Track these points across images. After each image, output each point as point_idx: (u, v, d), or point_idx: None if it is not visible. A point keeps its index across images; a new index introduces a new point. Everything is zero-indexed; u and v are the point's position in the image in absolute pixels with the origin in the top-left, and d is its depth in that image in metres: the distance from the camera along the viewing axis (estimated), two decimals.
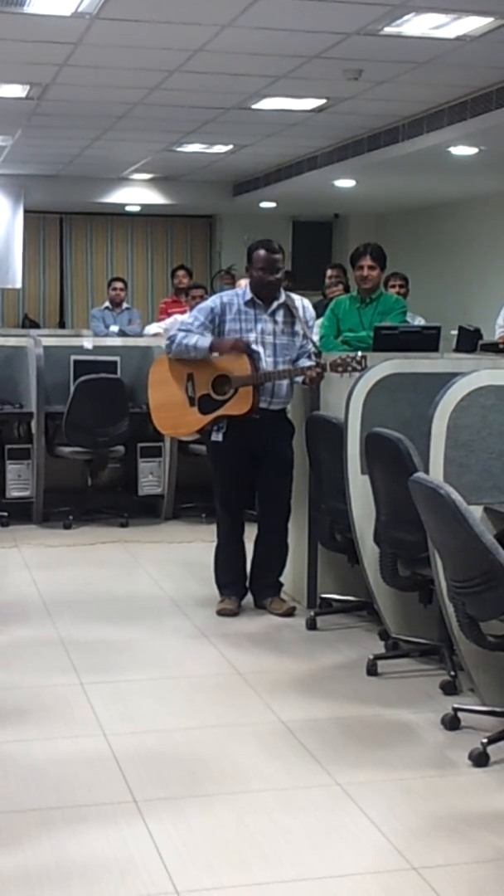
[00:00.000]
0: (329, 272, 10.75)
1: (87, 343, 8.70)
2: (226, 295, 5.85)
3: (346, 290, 9.49)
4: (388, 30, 6.86)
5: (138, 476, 8.21)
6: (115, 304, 12.18)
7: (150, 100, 9.07)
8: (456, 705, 4.35)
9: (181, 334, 5.72)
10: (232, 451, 5.75)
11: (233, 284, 9.68)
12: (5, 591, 6.42)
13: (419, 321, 8.91)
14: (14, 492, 8.06)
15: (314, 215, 16.15)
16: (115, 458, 8.25)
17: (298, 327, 5.72)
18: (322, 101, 9.10)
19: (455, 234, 14.08)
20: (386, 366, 5.32)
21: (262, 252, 5.71)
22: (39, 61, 7.89)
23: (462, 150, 9.97)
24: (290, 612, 5.85)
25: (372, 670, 4.92)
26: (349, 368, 5.50)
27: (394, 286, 9.50)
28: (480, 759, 3.97)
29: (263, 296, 5.71)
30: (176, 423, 5.92)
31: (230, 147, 11.56)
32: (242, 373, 5.62)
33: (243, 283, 9.94)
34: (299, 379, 5.67)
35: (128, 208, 15.32)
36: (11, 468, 8.04)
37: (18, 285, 14.65)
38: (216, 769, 3.96)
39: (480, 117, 8.72)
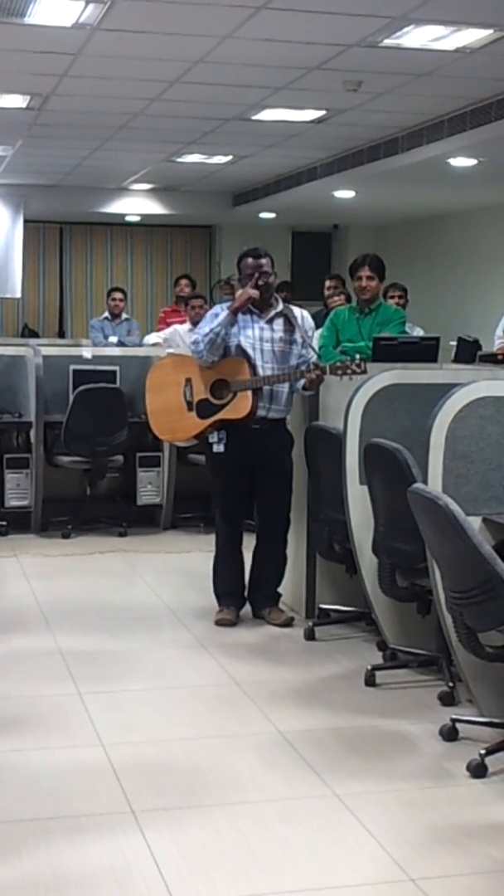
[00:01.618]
0: (328, 283, 10.75)
1: (87, 352, 8.71)
2: (226, 305, 5.86)
3: (347, 300, 9.50)
4: (387, 42, 6.88)
5: (137, 485, 8.22)
6: (114, 315, 12.19)
7: (151, 110, 9.09)
8: (454, 716, 4.35)
9: (200, 335, 5.69)
10: (231, 461, 5.75)
11: (232, 294, 9.66)
12: (3, 601, 6.42)
13: (418, 332, 8.93)
14: (13, 501, 8.06)
15: (314, 226, 16.17)
16: (114, 467, 8.25)
17: (297, 335, 5.73)
18: (322, 113, 9.12)
19: (454, 245, 14.10)
20: (385, 376, 5.32)
21: (249, 259, 5.76)
22: (40, 72, 7.91)
23: (461, 162, 9.99)
24: (288, 623, 5.84)
25: (370, 681, 4.92)
26: (349, 372, 5.52)
27: (392, 297, 9.52)
28: (478, 770, 3.97)
29: (259, 302, 5.72)
30: (174, 428, 5.92)
31: (230, 158, 11.58)
32: (241, 377, 5.64)
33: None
34: (300, 384, 5.68)
35: (128, 218, 15.34)
36: (10, 477, 8.04)
37: (18, 295, 14.66)
38: (214, 780, 3.96)
39: (480, 129, 8.74)
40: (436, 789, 3.91)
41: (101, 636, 5.66)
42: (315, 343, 7.88)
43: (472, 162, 10.00)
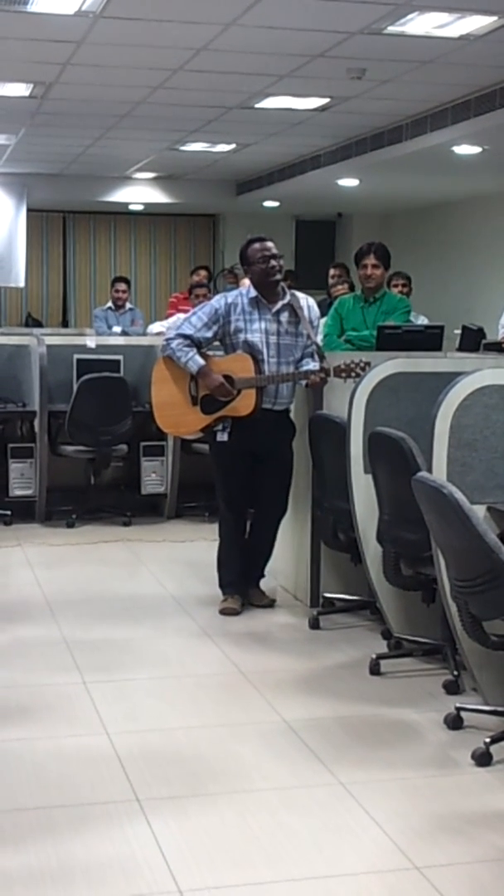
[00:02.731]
0: (332, 271, 10.74)
1: (90, 342, 8.71)
2: (230, 295, 5.84)
3: (351, 288, 9.48)
4: (391, 29, 6.86)
5: (141, 475, 8.22)
6: (118, 305, 12.18)
7: (154, 98, 9.07)
8: (459, 705, 4.35)
9: (180, 341, 5.71)
10: (235, 450, 5.76)
11: (236, 283, 9.68)
12: (8, 590, 6.43)
13: (422, 320, 8.92)
14: (17, 490, 8.06)
15: (318, 214, 16.14)
16: (118, 456, 8.25)
17: (302, 328, 5.71)
18: (325, 101, 9.10)
19: (458, 233, 14.07)
20: (389, 365, 5.31)
21: (256, 245, 5.73)
22: (43, 60, 7.89)
23: (465, 150, 9.97)
24: (271, 604, 5.93)
25: (375, 670, 4.92)
26: (353, 374, 5.52)
27: (396, 285, 9.50)
28: (483, 759, 3.97)
29: (267, 291, 5.70)
30: (178, 422, 5.93)
31: (233, 146, 11.56)
32: (246, 374, 5.62)
33: (246, 282, 9.96)
34: (302, 382, 5.68)
35: (131, 207, 15.32)
36: (14, 467, 8.04)
37: (22, 284, 14.65)
38: (219, 768, 3.96)
39: (484, 116, 8.71)
40: (440, 778, 3.91)
41: (105, 625, 5.67)
42: (320, 331, 7.89)
43: (476, 150, 9.97)
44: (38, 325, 14.95)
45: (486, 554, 3.74)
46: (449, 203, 14.01)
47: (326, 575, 5.93)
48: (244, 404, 5.64)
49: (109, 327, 11.85)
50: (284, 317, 5.72)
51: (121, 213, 15.89)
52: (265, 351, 5.65)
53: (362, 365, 5.51)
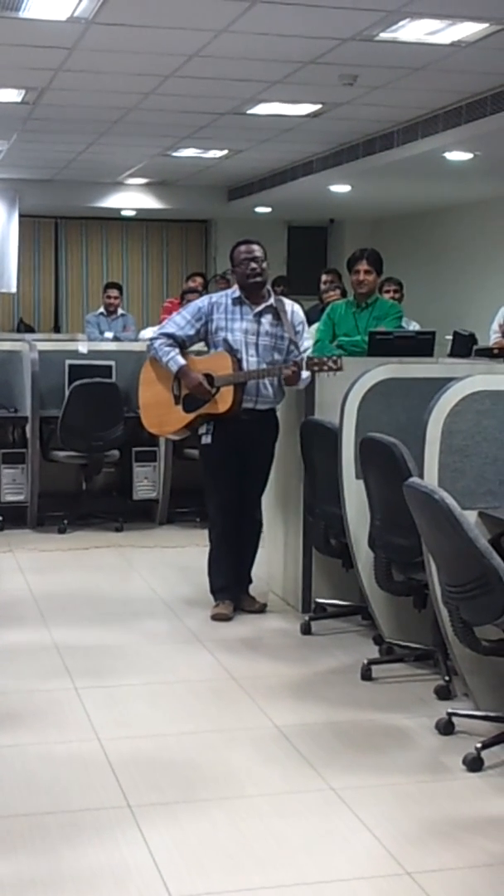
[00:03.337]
0: (324, 277, 10.74)
1: (82, 347, 8.70)
2: (215, 295, 5.92)
3: (343, 294, 9.49)
4: (383, 35, 6.87)
5: (133, 480, 8.21)
6: (110, 311, 12.18)
7: (146, 105, 9.08)
8: (450, 710, 4.35)
9: (162, 340, 5.78)
10: (220, 452, 5.79)
11: (227, 288, 9.67)
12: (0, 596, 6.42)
13: (414, 326, 8.93)
14: (8, 496, 8.05)
15: (309, 220, 16.16)
16: (110, 462, 8.24)
17: (284, 331, 5.73)
18: (317, 107, 9.11)
19: (450, 239, 14.10)
20: (381, 371, 5.32)
21: (241, 247, 5.80)
22: (35, 66, 7.89)
23: (457, 156, 9.99)
24: (262, 609, 5.94)
25: (366, 675, 4.92)
26: (325, 368, 5.57)
27: (388, 291, 9.50)
28: (474, 764, 3.97)
29: (250, 292, 5.75)
30: (161, 421, 5.96)
31: (225, 152, 11.57)
32: (225, 372, 5.66)
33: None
34: (281, 378, 5.71)
35: (123, 213, 15.33)
36: (6, 472, 8.03)
37: (13, 290, 14.64)
38: (210, 774, 3.96)
39: (475, 123, 8.73)
40: (432, 783, 3.91)
41: (97, 631, 5.66)
42: (311, 337, 7.88)
43: (467, 156, 9.99)
44: (30, 330, 14.93)
45: (477, 559, 3.74)
46: (441, 209, 14.03)
47: (318, 580, 5.93)
48: (222, 402, 5.67)
49: (101, 333, 11.84)
50: (266, 318, 5.75)
51: (113, 219, 15.90)
52: (244, 350, 5.69)
53: (334, 358, 5.58)
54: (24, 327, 15.36)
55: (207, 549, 6.01)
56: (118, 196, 14.54)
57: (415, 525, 4.17)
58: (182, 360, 5.74)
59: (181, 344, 5.79)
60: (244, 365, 5.67)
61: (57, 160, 12.33)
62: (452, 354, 8.69)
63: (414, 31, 6.79)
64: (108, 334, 11.71)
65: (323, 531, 5.58)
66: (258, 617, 5.89)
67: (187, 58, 7.54)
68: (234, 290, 5.81)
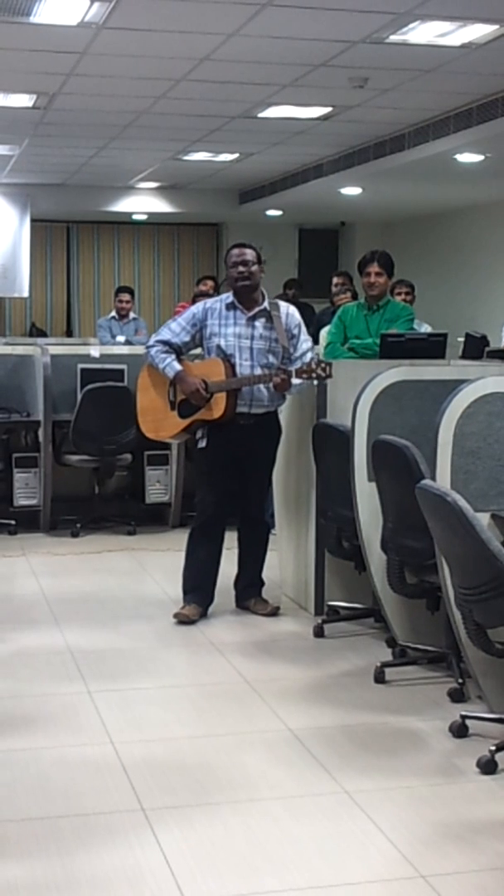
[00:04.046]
0: (335, 279, 10.74)
1: (94, 351, 8.72)
2: (210, 301, 5.94)
3: (355, 297, 9.48)
4: (393, 38, 6.87)
5: (145, 484, 8.22)
6: (122, 315, 12.20)
7: (157, 108, 9.09)
8: (464, 713, 4.35)
9: (159, 347, 5.83)
10: (215, 457, 5.82)
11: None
12: (13, 600, 6.43)
13: (426, 328, 8.92)
14: (21, 500, 8.07)
15: (320, 223, 16.17)
16: (123, 466, 8.25)
17: (278, 335, 5.74)
18: (328, 110, 9.11)
19: (461, 241, 14.08)
20: (392, 373, 5.32)
21: (233, 251, 5.84)
22: (46, 71, 7.91)
23: (468, 158, 9.98)
24: (274, 612, 5.93)
25: (379, 678, 4.92)
26: (314, 375, 5.61)
27: (399, 293, 9.50)
28: (488, 767, 3.96)
29: (242, 296, 5.77)
30: (158, 427, 5.98)
31: (236, 155, 11.58)
32: (218, 378, 5.68)
33: None
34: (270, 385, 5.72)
35: (134, 217, 15.34)
36: (19, 477, 8.05)
37: (25, 294, 14.68)
38: (224, 777, 3.96)
39: (486, 124, 8.72)
40: (446, 786, 3.91)
41: (110, 634, 5.67)
42: (323, 339, 7.90)
43: (478, 158, 9.98)
44: (42, 334, 14.96)
45: (490, 561, 3.74)
46: (452, 211, 14.02)
47: (331, 583, 5.93)
48: (217, 408, 5.69)
49: (113, 337, 11.86)
50: (260, 322, 5.77)
51: (124, 223, 15.92)
52: (237, 355, 5.70)
53: (323, 366, 5.60)
54: (37, 332, 15.38)
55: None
56: (129, 200, 14.56)
57: (427, 527, 4.17)
58: (178, 366, 5.77)
59: (177, 350, 5.83)
60: (238, 370, 5.69)
61: (68, 165, 12.36)
62: (464, 356, 8.67)
63: (424, 33, 6.79)
64: (120, 338, 11.73)
65: (335, 534, 5.58)
66: (271, 620, 5.89)
67: (198, 61, 7.55)
68: (228, 296, 5.84)
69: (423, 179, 11.37)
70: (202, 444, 5.83)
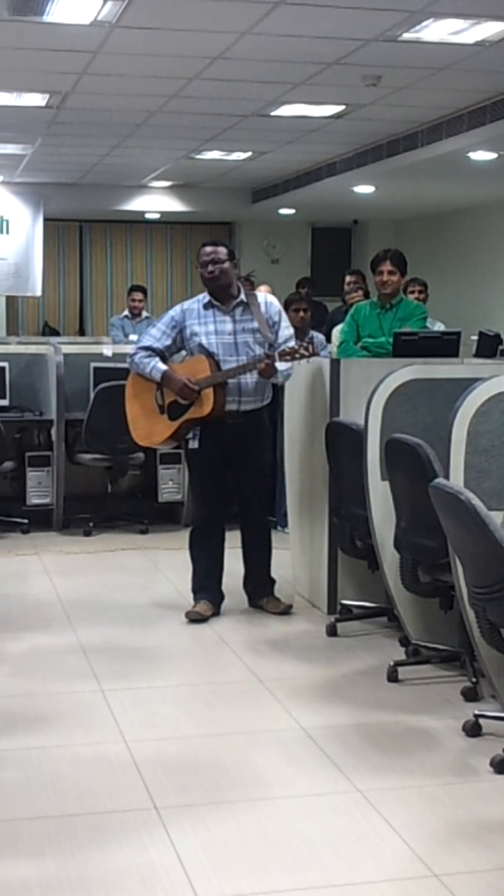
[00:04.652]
0: (348, 278, 10.72)
1: (107, 350, 8.72)
2: (187, 302, 5.95)
3: (366, 295, 9.47)
4: (406, 36, 6.85)
5: (158, 483, 8.23)
6: (134, 314, 12.20)
7: (170, 107, 9.09)
8: (477, 712, 4.34)
9: (142, 353, 5.86)
10: (207, 455, 5.84)
11: (252, 290, 9.65)
12: (26, 598, 6.44)
13: (439, 327, 8.90)
14: (34, 499, 8.08)
15: (333, 222, 16.14)
16: (135, 464, 8.26)
17: (258, 325, 5.74)
18: (341, 108, 9.10)
19: (475, 239, 14.05)
20: (406, 371, 5.31)
21: (205, 248, 5.85)
22: (59, 70, 7.92)
23: (481, 156, 9.95)
24: (286, 611, 5.93)
25: (392, 677, 4.91)
26: (297, 356, 5.63)
27: (412, 292, 9.49)
28: (502, 766, 3.95)
29: (218, 294, 5.79)
30: (149, 433, 5.99)
31: (249, 154, 11.57)
32: (203, 375, 5.69)
33: (263, 288, 9.95)
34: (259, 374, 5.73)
35: (147, 216, 15.34)
36: (32, 475, 8.06)
37: (38, 293, 14.68)
38: (237, 776, 3.96)
39: (500, 122, 8.69)
40: (459, 785, 3.90)
41: (123, 633, 5.67)
42: (334, 339, 7.88)
43: (492, 155, 9.95)
44: (55, 333, 14.97)
45: None
46: (465, 209, 13.99)
47: (344, 582, 5.93)
48: (206, 404, 5.70)
49: (126, 336, 11.86)
50: (238, 315, 5.77)
51: (137, 222, 15.92)
52: (221, 351, 5.71)
53: (306, 345, 5.65)
54: (50, 330, 15.40)
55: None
56: (142, 199, 14.56)
57: (441, 526, 4.16)
58: (164, 367, 5.80)
59: (160, 355, 5.86)
60: (223, 366, 5.70)
61: (81, 164, 12.36)
62: (478, 355, 8.64)
63: (437, 31, 6.77)
64: (133, 337, 11.72)
65: (348, 533, 5.57)
66: (284, 619, 5.89)
67: (211, 60, 7.55)
68: (205, 296, 5.85)
69: (436, 178, 11.34)
70: (194, 443, 5.84)
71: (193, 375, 5.72)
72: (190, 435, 5.85)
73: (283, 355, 5.63)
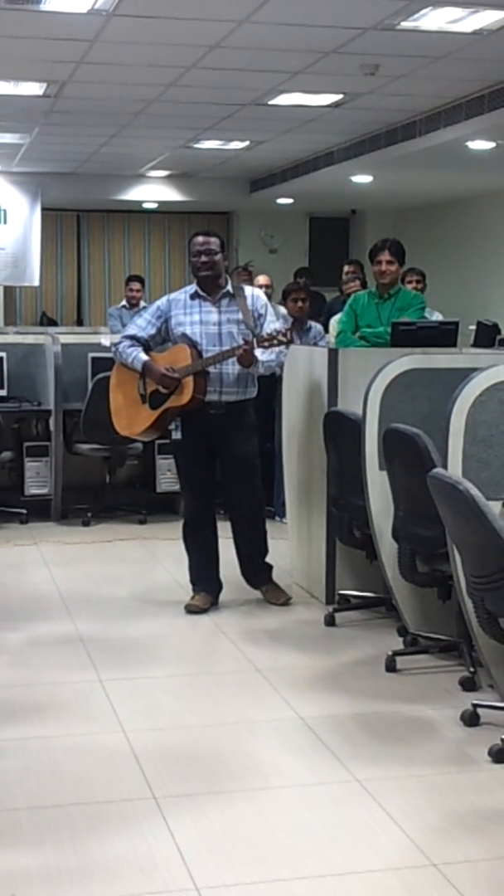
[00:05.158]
0: (346, 268, 10.73)
1: (105, 340, 8.71)
2: (175, 293, 5.94)
3: (364, 285, 9.46)
4: (404, 24, 6.84)
5: (156, 473, 8.23)
6: (132, 304, 12.19)
7: (167, 96, 9.07)
8: (475, 701, 4.35)
9: (126, 342, 5.86)
10: (190, 446, 5.84)
11: (250, 280, 9.65)
12: (24, 589, 6.45)
13: (437, 316, 8.90)
14: (33, 489, 8.08)
15: (331, 211, 16.12)
16: (134, 455, 8.26)
17: (244, 317, 5.74)
18: (339, 97, 9.08)
19: (473, 228, 14.04)
20: (404, 361, 5.31)
21: (195, 239, 5.84)
22: (56, 59, 7.89)
23: (479, 145, 9.94)
24: (287, 602, 5.94)
25: (391, 666, 4.91)
26: (275, 342, 5.63)
27: (410, 282, 9.48)
28: (500, 756, 3.96)
29: (206, 285, 5.78)
30: (131, 423, 5.97)
31: (247, 143, 11.55)
32: (184, 363, 5.69)
33: (261, 279, 9.94)
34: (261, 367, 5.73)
35: (145, 205, 15.32)
36: (30, 466, 8.06)
37: (36, 283, 14.66)
38: (235, 766, 3.96)
39: (498, 111, 8.68)
40: (457, 774, 3.91)
41: (121, 623, 5.68)
42: (332, 329, 7.87)
43: (490, 145, 9.94)
44: (53, 323, 14.96)
45: (502, 550, 3.73)
46: (463, 198, 13.98)
47: (342, 572, 5.93)
48: (186, 391, 5.69)
49: (124, 325, 11.82)
50: (224, 306, 5.77)
51: (135, 212, 15.90)
52: (204, 341, 5.70)
53: (284, 331, 5.66)
54: (47, 320, 15.39)
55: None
56: (140, 189, 14.54)
57: (439, 516, 4.16)
58: (145, 357, 5.79)
59: (145, 345, 5.84)
60: (205, 355, 5.69)
61: (79, 153, 12.34)
62: (476, 344, 8.66)
63: (436, 19, 6.76)
64: None
65: (347, 522, 5.58)
66: (282, 608, 5.90)
67: (208, 49, 7.53)
68: (192, 287, 5.84)
69: (434, 167, 11.32)
70: (177, 434, 5.85)
71: (175, 364, 5.71)
72: (173, 426, 5.85)
73: (262, 342, 5.62)
